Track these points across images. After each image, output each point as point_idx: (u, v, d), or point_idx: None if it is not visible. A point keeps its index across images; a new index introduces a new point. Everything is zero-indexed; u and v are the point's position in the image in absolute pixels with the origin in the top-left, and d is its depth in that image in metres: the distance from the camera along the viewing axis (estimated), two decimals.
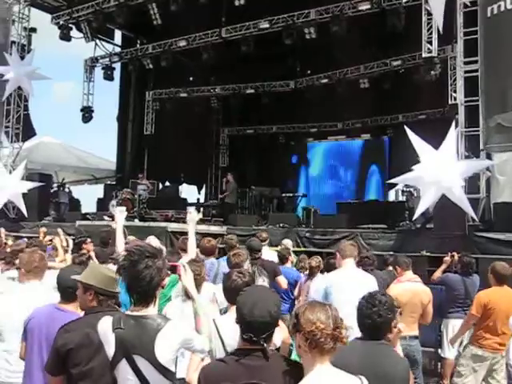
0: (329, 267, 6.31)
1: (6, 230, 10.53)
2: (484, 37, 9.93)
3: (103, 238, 8.57)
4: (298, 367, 2.41)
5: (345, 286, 4.89)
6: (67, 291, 3.54)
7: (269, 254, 7.35)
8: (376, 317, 2.99)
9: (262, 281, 5.22)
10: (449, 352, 6.91)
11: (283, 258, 7.46)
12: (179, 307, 3.87)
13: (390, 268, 7.59)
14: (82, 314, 3.42)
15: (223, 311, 4.07)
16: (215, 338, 3.27)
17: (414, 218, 9.90)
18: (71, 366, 2.97)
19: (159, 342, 2.54)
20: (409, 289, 5.65)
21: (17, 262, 4.77)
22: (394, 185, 14.68)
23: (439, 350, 7.19)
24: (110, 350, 2.60)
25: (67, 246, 7.58)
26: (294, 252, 9.04)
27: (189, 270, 2.99)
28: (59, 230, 8.40)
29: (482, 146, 9.91)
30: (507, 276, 5.71)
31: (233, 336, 3.19)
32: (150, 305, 2.65)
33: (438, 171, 8.80)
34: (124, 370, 2.57)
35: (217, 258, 6.57)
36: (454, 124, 9.13)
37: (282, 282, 6.44)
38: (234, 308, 3.46)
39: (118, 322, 2.61)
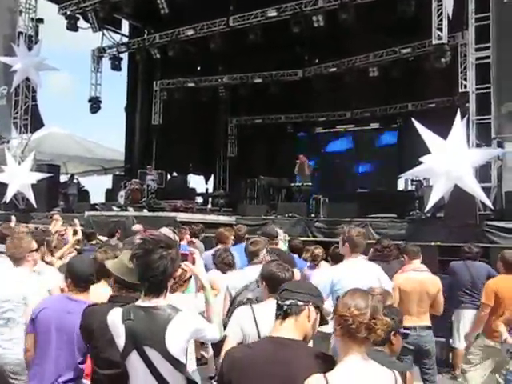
0: (335, 257, 6.19)
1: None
2: (498, 22, 9.78)
3: (111, 230, 8.68)
4: (327, 359, 2.37)
5: (352, 279, 4.65)
6: (76, 280, 3.56)
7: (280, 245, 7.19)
8: None
9: None
10: (459, 342, 6.86)
11: (299, 250, 7.19)
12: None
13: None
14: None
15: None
16: (250, 325, 3.27)
17: (427, 209, 9.81)
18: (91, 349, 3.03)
19: (170, 332, 2.52)
20: (413, 278, 5.55)
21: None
22: None
23: (450, 340, 7.15)
24: (121, 341, 2.58)
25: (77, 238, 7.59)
26: (303, 242, 8.94)
27: (199, 257, 2.96)
28: (76, 221, 8.49)
29: (493, 135, 9.81)
30: None
31: (269, 324, 3.17)
32: (161, 295, 2.62)
33: (448, 161, 8.74)
34: (135, 361, 2.56)
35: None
36: (459, 113, 9.02)
37: (296, 275, 6.27)
38: (272, 297, 3.41)
39: (128, 313, 2.59)
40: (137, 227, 8.38)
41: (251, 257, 4.94)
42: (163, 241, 2.62)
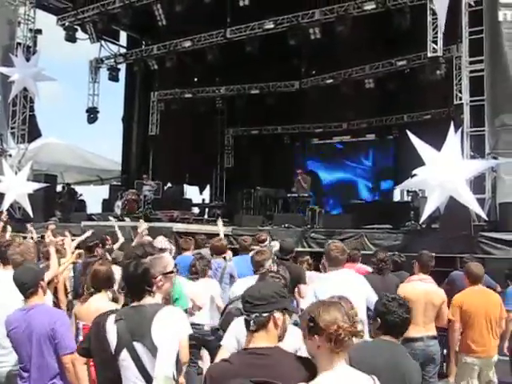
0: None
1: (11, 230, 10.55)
2: (491, 37, 9.90)
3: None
4: (309, 364, 2.41)
5: (326, 293, 4.63)
6: (24, 288, 3.67)
7: None
8: (404, 314, 3.18)
9: None
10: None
11: None
12: None
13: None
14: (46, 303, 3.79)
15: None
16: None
17: (422, 220, 9.83)
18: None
19: (155, 325, 2.61)
20: (418, 288, 5.56)
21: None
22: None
23: (445, 350, 7.15)
24: (114, 341, 2.67)
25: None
26: (300, 252, 8.95)
27: None
28: (66, 233, 8.43)
29: (487, 150, 9.86)
30: (481, 276, 5.67)
31: None
32: (144, 297, 2.73)
33: (442, 173, 8.77)
34: (125, 358, 2.63)
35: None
36: (452, 125, 9.08)
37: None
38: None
39: (119, 314, 2.75)
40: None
41: (257, 267, 4.96)
42: (137, 252, 2.80)
